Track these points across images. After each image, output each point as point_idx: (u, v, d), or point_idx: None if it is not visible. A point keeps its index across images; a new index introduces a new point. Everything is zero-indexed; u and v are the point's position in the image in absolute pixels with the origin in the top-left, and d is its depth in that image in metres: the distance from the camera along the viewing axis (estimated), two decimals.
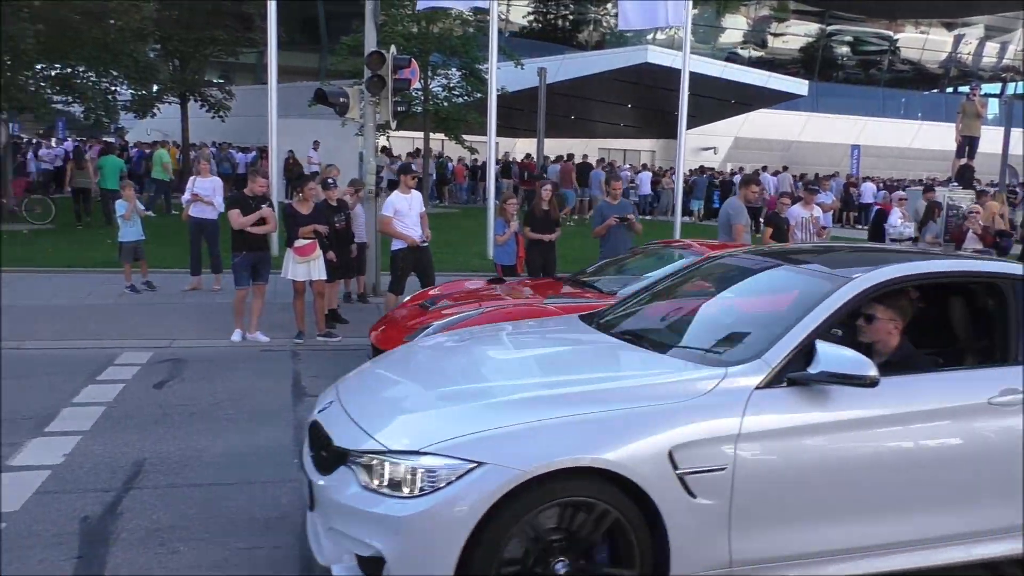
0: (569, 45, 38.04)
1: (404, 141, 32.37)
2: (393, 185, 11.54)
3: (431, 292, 7.78)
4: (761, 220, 15.72)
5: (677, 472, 3.06)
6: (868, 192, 26.68)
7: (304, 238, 8.60)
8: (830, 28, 43.20)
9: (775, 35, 43.28)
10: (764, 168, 28.35)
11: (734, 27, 42.31)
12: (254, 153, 26.15)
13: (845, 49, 44.91)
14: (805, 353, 3.33)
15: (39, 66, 18.10)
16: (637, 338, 3.96)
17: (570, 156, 27.17)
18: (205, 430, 5.65)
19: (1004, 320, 3.83)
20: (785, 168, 29.54)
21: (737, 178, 25.42)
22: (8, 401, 6.07)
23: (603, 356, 3.94)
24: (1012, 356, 3.75)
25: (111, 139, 27.04)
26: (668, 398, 3.22)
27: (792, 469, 3.25)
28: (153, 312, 9.55)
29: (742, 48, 42.12)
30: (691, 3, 15.99)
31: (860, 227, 25.34)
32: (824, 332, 3.47)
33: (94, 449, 5.21)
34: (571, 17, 41.18)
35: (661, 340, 3.96)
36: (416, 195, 9.09)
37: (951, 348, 4.19)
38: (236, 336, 8.44)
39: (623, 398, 3.24)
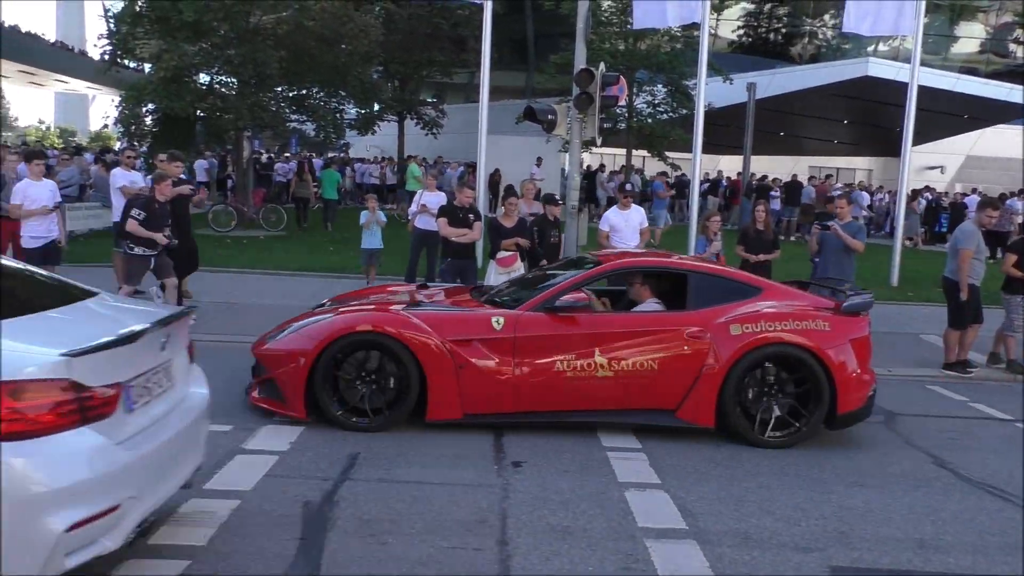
0: (781, 59, 36.59)
1: (606, 158, 32.54)
2: (612, 203, 11.78)
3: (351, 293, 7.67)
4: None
5: None
6: None
7: (506, 250, 8.93)
8: None
9: (1019, 43, 39.18)
10: (1021, 192, 25.55)
11: (969, 36, 38.79)
12: (461, 168, 27.35)
13: None
14: None
15: (279, 88, 19.99)
16: None
17: (827, 176, 26.03)
18: (412, 429, 5.93)
19: None
20: None
21: (969, 199, 23.25)
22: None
23: None
24: None
25: (337, 154, 29.42)
26: None
27: None
28: None
29: (978, 58, 38.50)
30: (923, 9, 14.85)
31: None
32: None
33: (315, 439, 5.62)
34: (784, 30, 39.60)
35: None
36: (635, 211, 9.47)
37: None
38: None
39: None
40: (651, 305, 6.56)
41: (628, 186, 10.50)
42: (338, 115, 21.35)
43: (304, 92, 20.33)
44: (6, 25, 50.53)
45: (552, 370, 5.93)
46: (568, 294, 6.10)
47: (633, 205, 9.68)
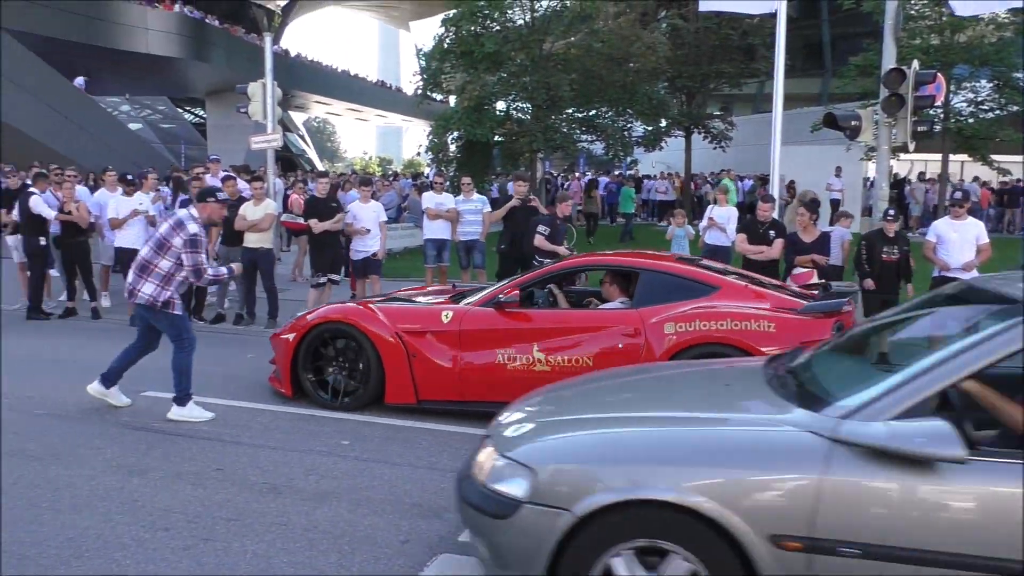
0: None
1: (915, 164, 29.59)
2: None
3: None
4: None
5: None
6: None
7: (801, 267, 8.48)
8: None
9: None
10: None
11: None
12: (750, 182, 26.45)
13: None
14: None
15: (570, 110, 20.81)
16: None
17: None
18: None
19: None
20: None
21: None
22: None
23: None
24: None
25: (623, 172, 29.83)
26: None
27: None
28: None
29: None
30: None
31: None
32: None
33: None
34: None
35: None
36: (971, 223, 8.57)
37: None
38: None
39: None
40: (617, 304, 6.50)
41: (958, 193, 9.41)
42: (626, 133, 21.69)
43: (593, 112, 20.96)
44: (339, 70, 58.06)
45: (494, 362, 6.21)
46: (512, 291, 6.35)
47: (970, 217, 8.71)
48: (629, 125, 22.26)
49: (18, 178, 12.13)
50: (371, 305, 6.73)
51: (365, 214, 10.29)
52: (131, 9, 37.08)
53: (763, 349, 5.51)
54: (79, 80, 29.66)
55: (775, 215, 9.55)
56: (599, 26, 19.18)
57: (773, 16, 13.77)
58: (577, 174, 31.01)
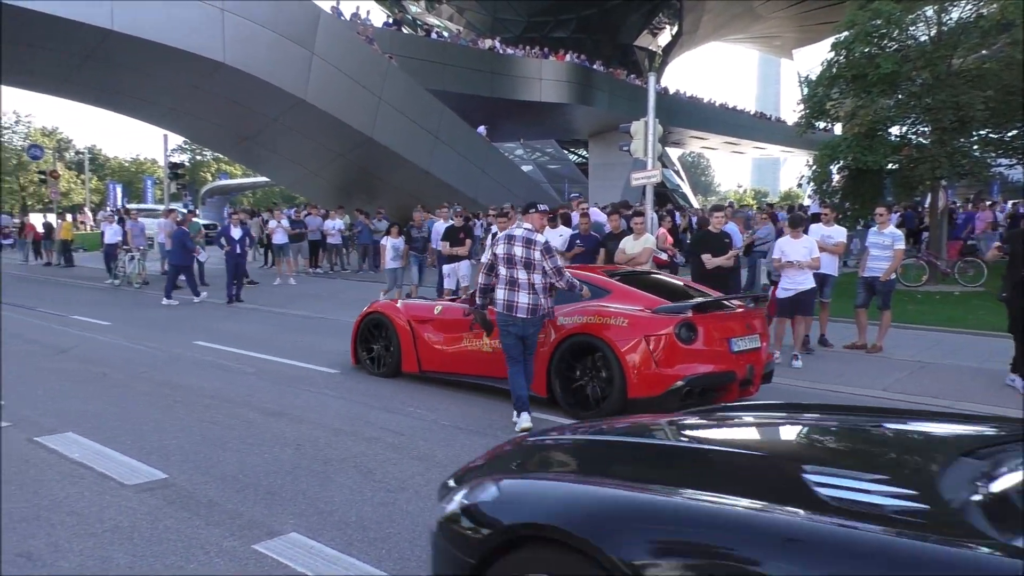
0: None
1: None
2: None
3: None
4: None
5: None
6: None
7: None
8: None
9: None
10: None
11: None
12: None
13: None
14: None
15: (982, 131, 18.22)
16: None
17: None
18: None
19: None
20: None
21: None
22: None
23: None
24: None
25: None
26: None
27: None
28: None
29: None
30: None
31: None
32: None
33: None
34: None
35: None
36: None
37: None
38: None
39: None
40: None
41: None
42: None
43: (1015, 132, 18.11)
44: (716, 104, 58.02)
45: (460, 344, 8.25)
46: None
47: None
48: None
49: (443, 217, 14.60)
50: (398, 301, 9.46)
51: (795, 250, 9.98)
52: (529, 63, 41.08)
53: (612, 339, 6.90)
54: (480, 128, 33.39)
55: None
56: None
57: None
58: (988, 203, 27.04)
